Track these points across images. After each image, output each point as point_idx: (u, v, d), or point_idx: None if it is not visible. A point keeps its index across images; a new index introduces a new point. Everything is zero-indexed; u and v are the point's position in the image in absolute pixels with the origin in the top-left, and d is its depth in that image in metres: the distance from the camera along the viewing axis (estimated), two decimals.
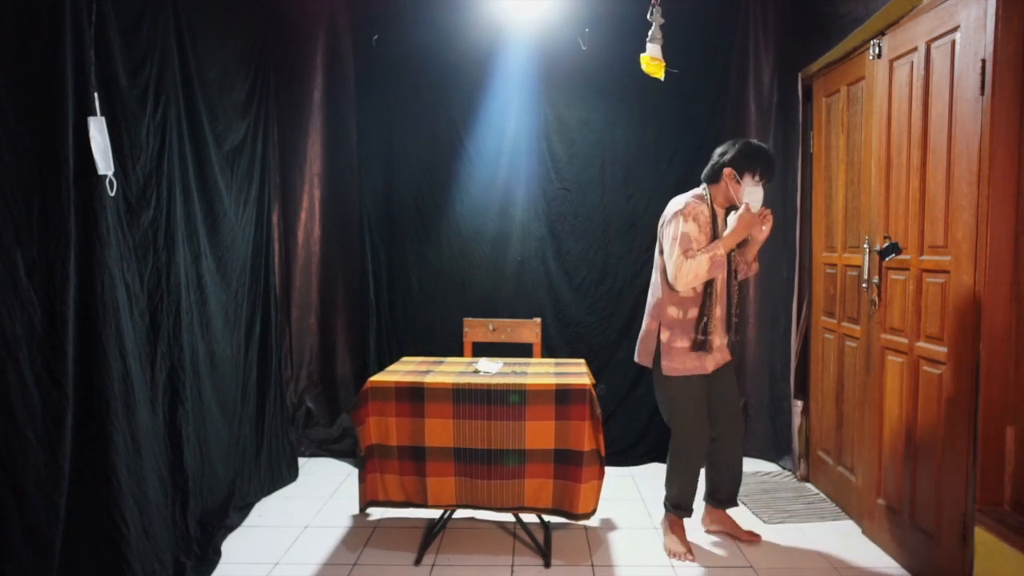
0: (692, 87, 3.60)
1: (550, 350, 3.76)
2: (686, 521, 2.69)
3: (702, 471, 2.72)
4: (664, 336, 2.53)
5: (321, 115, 3.82)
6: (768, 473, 3.51)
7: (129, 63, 2.33)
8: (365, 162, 3.82)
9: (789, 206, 3.46)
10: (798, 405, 3.43)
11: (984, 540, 2.07)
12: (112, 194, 2.16)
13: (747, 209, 2.44)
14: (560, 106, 3.77)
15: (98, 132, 2.07)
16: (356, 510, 2.98)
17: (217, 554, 2.56)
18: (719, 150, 2.57)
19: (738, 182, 2.48)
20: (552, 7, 3.55)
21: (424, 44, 3.70)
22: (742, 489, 2.90)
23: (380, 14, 3.73)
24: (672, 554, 2.60)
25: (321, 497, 3.21)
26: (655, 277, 2.62)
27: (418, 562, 2.56)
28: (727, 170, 2.50)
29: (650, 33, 2.81)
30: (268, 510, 3.06)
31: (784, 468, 3.57)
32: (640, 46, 2.84)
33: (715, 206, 2.55)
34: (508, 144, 3.78)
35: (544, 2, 3.50)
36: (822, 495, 3.21)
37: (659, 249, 2.59)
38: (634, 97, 3.66)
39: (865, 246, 2.71)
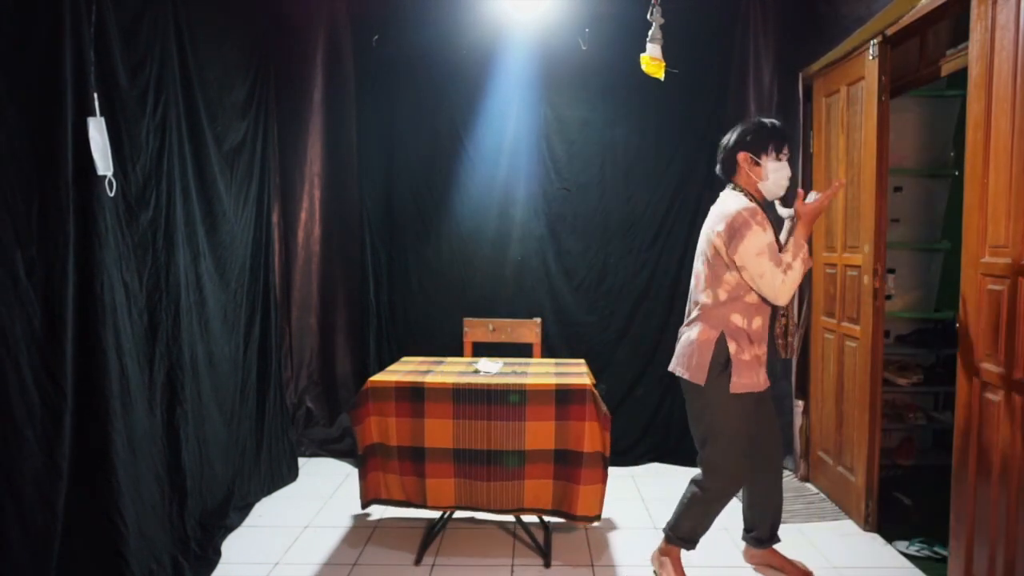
0: (692, 87, 3.60)
1: (550, 350, 3.75)
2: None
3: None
4: (732, 348, 2.18)
5: (321, 115, 3.82)
6: None
7: (129, 63, 2.33)
8: (365, 162, 3.82)
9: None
10: (799, 405, 3.42)
11: None
12: (111, 194, 2.16)
13: (801, 201, 2.25)
14: (560, 106, 3.76)
15: (97, 132, 2.06)
16: (356, 510, 2.98)
17: (217, 554, 2.56)
18: (725, 140, 2.33)
19: (758, 164, 2.25)
20: (552, 7, 3.55)
21: (424, 44, 3.70)
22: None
23: (380, 14, 3.73)
24: None
25: (321, 497, 3.20)
26: (701, 283, 2.26)
27: (418, 562, 2.56)
28: (741, 155, 2.26)
29: (650, 33, 2.81)
30: (268, 510, 3.06)
31: (785, 468, 3.57)
32: (640, 46, 2.84)
33: (758, 200, 2.28)
34: (508, 144, 3.78)
35: (544, 2, 3.49)
36: (822, 495, 3.20)
37: (716, 254, 2.21)
38: (634, 97, 3.66)
39: None
